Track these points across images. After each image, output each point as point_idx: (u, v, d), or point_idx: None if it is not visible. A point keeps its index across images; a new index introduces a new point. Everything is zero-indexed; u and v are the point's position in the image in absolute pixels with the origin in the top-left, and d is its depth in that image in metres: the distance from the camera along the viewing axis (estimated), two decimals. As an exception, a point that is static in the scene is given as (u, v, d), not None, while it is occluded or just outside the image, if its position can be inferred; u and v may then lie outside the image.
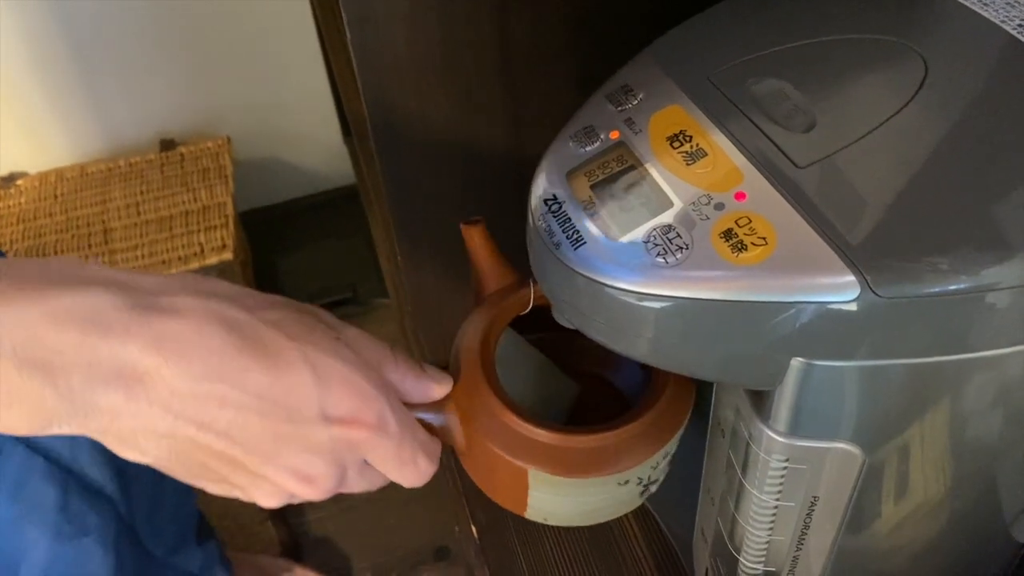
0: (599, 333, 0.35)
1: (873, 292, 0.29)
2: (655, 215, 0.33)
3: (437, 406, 0.42)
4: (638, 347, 0.34)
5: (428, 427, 0.42)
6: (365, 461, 0.38)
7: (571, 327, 0.39)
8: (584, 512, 0.43)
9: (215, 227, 1.25)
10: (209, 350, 0.33)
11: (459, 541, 1.03)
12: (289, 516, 1.10)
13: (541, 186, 0.36)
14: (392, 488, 0.42)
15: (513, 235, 0.47)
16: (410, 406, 0.40)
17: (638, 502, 0.44)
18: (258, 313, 0.35)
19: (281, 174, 1.48)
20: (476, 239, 0.46)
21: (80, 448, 0.67)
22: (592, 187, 0.35)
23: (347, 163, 1.46)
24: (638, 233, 0.33)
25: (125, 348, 0.32)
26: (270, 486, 0.37)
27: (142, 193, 1.31)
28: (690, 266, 0.31)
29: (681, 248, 0.32)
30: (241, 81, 1.37)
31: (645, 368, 0.44)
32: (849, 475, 0.36)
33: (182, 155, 1.35)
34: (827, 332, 0.31)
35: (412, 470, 0.40)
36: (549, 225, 0.35)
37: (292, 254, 1.49)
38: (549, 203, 0.35)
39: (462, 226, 0.47)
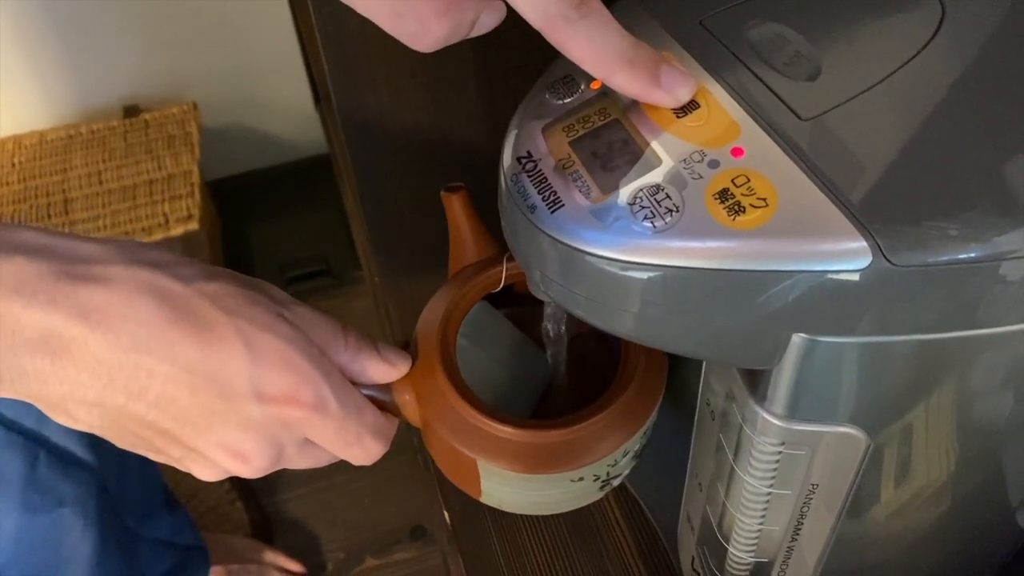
0: (578, 307, 0.31)
1: (886, 259, 0.26)
2: (642, 174, 0.29)
3: (392, 387, 0.40)
4: (622, 322, 0.31)
5: (384, 406, 0.40)
6: (307, 439, 0.37)
7: (548, 301, 0.36)
8: (538, 503, 0.41)
9: (180, 196, 1.20)
10: (137, 321, 0.32)
11: (435, 521, 1.01)
12: (260, 496, 1.07)
13: (514, 143, 0.32)
14: (367, 468, 0.41)
15: (485, 212, 0.44)
16: (363, 386, 0.39)
17: (598, 496, 0.42)
18: (194, 284, 0.34)
19: (250, 142, 1.43)
20: (456, 207, 0.44)
21: (48, 417, 0.65)
22: (571, 143, 0.31)
23: (319, 131, 1.41)
24: (622, 194, 0.29)
25: (50, 317, 0.31)
26: (204, 460, 0.36)
27: (104, 161, 1.25)
28: (681, 231, 0.28)
29: (671, 211, 0.28)
30: (209, 45, 1.31)
31: (619, 347, 0.41)
32: (851, 460, 0.33)
33: (146, 122, 1.30)
34: (833, 304, 0.27)
35: (358, 450, 0.38)
36: (523, 186, 0.31)
37: (263, 225, 1.44)
38: (523, 161, 0.32)
39: (442, 193, 0.44)
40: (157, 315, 0.32)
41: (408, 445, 0.92)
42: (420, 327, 0.42)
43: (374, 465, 0.40)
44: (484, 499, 0.42)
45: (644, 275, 0.28)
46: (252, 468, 0.36)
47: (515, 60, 0.54)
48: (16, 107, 1.30)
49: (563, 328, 0.43)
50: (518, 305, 0.48)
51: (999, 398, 0.33)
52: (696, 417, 0.40)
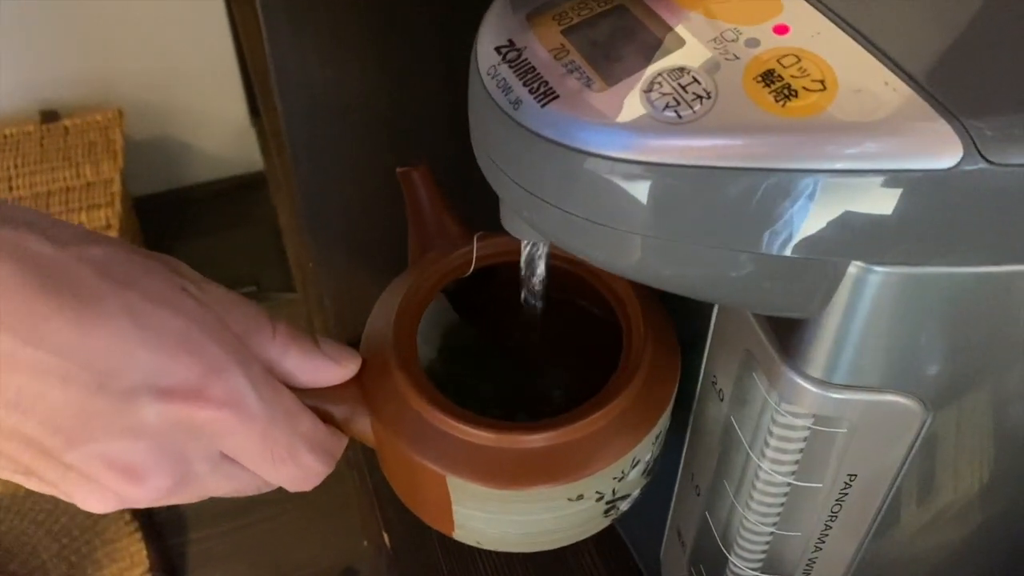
0: (569, 234, 0.25)
1: (981, 156, 0.20)
2: (659, 58, 0.23)
3: (338, 393, 0.32)
4: (626, 252, 0.24)
5: (331, 419, 0.32)
6: (224, 455, 0.29)
7: (523, 238, 0.29)
8: (528, 535, 0.33)
9: (99, 206, 1.11)
10: None
11: (369, 559, 0.91)
12: (169, 534, 0.96)
13: (491, 33, 0.26)
14: (292, 501, 0.32)
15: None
16: (305, 392, 0.31)
17: (602, 523, 0.34)
18: (71, 248, 0.26)
19: (180, 156, 1.35)
20: (417, 185, 0.37)
21: None
22: (564, 32, 0.25)
23: (253, 147, 1.34)
24: (635, 80, 0.23)
25: None
26: (85, 482, 0.27)
27: (16, 167, 1.16)
28: (715, 121, 0.22)
29: (700, 97, 0.22)
30: (137, 49, 1.23)
31: (618, 340, 0.34)
32: (901, 443, 0.27)
33: (66, 128, 1.21)
34: (905, 218, 0.21)
35: (291, 468, 0.30)
36: (503, 79, 0.24)
37: (190, 244, 1.35)
38: (504, 51, 0.25)
39: (399, 171, 0.37)
40: (19, 283, 0.24)
41: (337, 478, 0.83)
42: (371, 322, 0.35)
43: (299, 499, 0.31)
44: (459, 534, 0.34)
45: (667, 180, 0.22)
46: (149, 490, 0.28)
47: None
48: (-80, 107, 1.20)
49: (542, 285, 0.35)
50: (487, 313, 0.40)
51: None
52: (695, 405, 0.34)
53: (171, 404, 0.26)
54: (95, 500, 0.28)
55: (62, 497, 0.28)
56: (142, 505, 0.28)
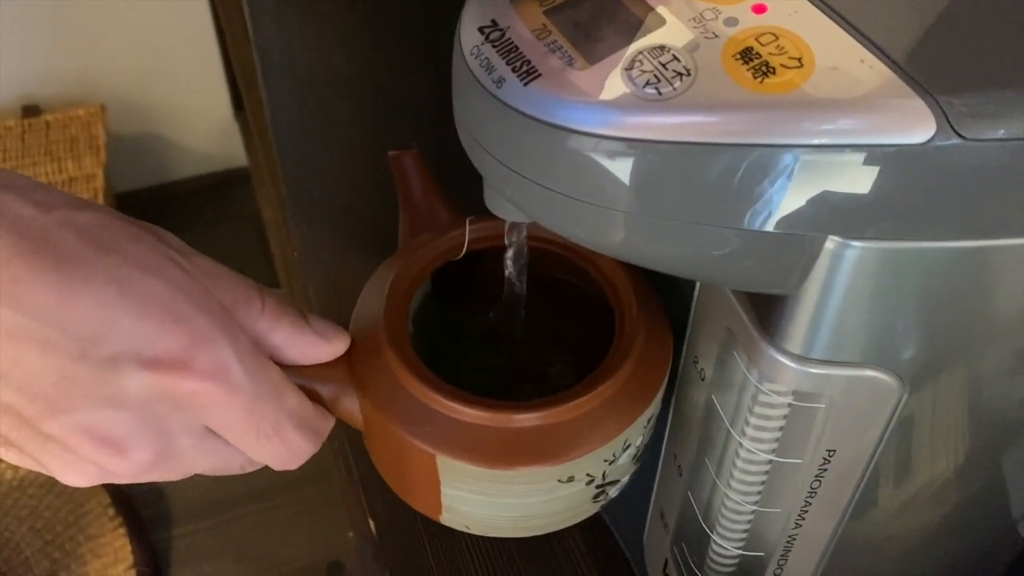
0: (552, 211, 0.25)
1: (953, 131, 0.21)
2: (640, 37, 0.23)
3: (326, 371, 0.32)
4: (608, 230, 0.24)
5: (317, 398, 0.32)
6: (207, 429, 0.28)
7: (507, 217, 0.29)
8: (516, 518, 0.33)
9: (81, 201, 1.10)
10: None
11: (355, 553, 0.91)
12: (155, 528, 0.96)
13: (474, 13, 0.26)
14: (278, 496, 0.31)
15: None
16: (292, 370, 0.30)
17: (591, 508, 0.34)
18: (56, 212, 0.26)
19: (163, 151, 1.34)
20: (408, 168, 0.37)
21: None
22: (546, 13, 0.25)
23: (237, 143, 1.33)
24: (617, 58, 0.23)
25: None
26: (64, 452, 0.26)
27: (-4, 162, 1.15)
28: (695, 98, 0.22)
29: (680, 75, 0.22)
30: (119, 41, 1.22)
31: (608, 323, 0.34)
32: (879, 418, 0.27)
33: (48, 123, 1.20)
34: (879, 194, 0.22)
35: (277, 445, 0.29)
36: (487, 58, 0.25)
37: (173, 240, 1.34)
38: (487, 31, 0.25)
39: (390, 155, 0.37)
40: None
41: (323, 473, 0.83)
42: (360, 303, 0.35)
43: (285, 494, 0.31)
44: (446, 517, 0.34)
45: (647, 156, 0.22)
46: (130, 463, 0.27)
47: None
48: (-101, 102, 1.19)
49: (523, 276, 0.36)
50: (474, 296, 0.41)
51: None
52: (676, 386, 0.34)
53: (155, 374, 0.26)
54: (74, 473, 0.27)
55: (40, 470, 0.28)
56: (123, 480, 0.28)
